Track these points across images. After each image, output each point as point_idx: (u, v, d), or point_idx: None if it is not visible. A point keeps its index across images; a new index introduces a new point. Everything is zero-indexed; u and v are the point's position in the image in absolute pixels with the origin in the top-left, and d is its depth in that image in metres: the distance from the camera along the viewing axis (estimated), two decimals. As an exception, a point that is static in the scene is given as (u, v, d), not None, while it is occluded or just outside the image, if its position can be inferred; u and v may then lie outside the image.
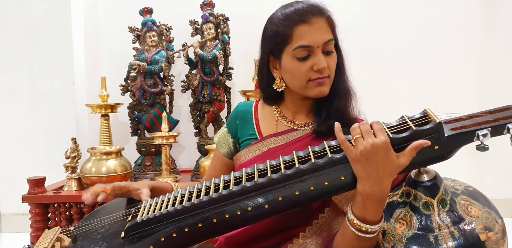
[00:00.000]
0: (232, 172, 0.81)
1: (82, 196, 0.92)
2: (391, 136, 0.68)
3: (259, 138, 0.99)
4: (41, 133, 2.50)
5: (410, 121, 0.71)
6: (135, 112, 2.17)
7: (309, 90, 0.91)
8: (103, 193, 0.91)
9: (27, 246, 0.86)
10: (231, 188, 0.75)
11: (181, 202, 0.78)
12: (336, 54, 0.92)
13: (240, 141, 1.04)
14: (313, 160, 0.71)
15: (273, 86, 0.97)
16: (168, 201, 0.80)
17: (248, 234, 0.89)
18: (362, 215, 0.71)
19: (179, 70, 2.35)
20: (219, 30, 2.07)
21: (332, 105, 0.92)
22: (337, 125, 0.72)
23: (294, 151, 0.77)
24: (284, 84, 0.95)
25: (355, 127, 0.70)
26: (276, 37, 0.89)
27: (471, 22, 2.41)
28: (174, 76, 2.21)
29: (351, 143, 0.70)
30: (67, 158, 1.88)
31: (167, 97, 2.20)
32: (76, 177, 1.89)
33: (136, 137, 2.20)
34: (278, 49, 0.90)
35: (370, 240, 0.73)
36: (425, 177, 0.75)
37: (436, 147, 0.67)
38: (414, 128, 0.68)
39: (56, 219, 1.83)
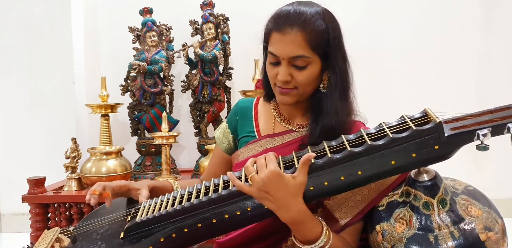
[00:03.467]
0: (232, 172, 0.81)
1: (86, 198, 0.91)
2: (391, 136, 0.68)
3: (257, 136, 0.99)
4: (41, 133, 2.50)
5: (410, 121, 0.71)
6: (135, 112, 2.17)
7: (276, 94, 0.92)
8: (107, 199, 0.90)
9: (26, 246, 0.86)
10: (230, 188, 0.75)
11: (180, 202, 0.78)
12: (330, 72, 0.86)
13: (238, 137, 1.04)
14: (312, 160, 0.71)
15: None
16: (168, 202, 0.81)
17: (243, 237, 0.89)
18: (304, 238, 0.74)
19: (179, 70, 2.35)
20: (219, 30, 2.07)
21: (322, 122, 0.87)
22: (230, 175, 0.75)
23: (293, 151, 0.77)
24: None
25: (247, 166, 0.72)
26: (264, 35, 0.91)
27: (470, 23, 2.40)
28: (174, 76, 2.21)
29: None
30: (67, 158, 1.88)
31: (167, 97, 2.19)
32: (76, 177, 1.89)
33: (136, 137, 2.20)
34: (265, 47, 0.92)
35: None
36: (425, 177, 0.75)
37: (436, 147, 0.67)
38: (414, 128, 0.68)
39: (56, 219, 1.83)
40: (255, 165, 0.74)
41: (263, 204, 0.72)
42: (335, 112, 0.86)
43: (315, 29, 0.81)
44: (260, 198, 0.71)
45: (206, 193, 0.78)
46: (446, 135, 0.66)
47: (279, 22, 0.83)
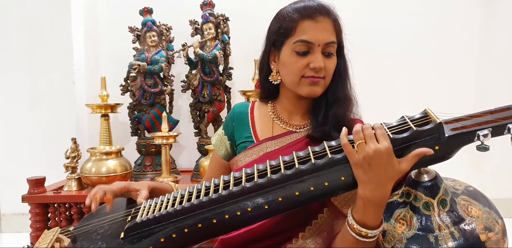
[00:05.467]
0: (232, 172, 0.81)
1: (86, 202, 0.87)
2: (392, 136, 0.68)
3: (255, 141, 0.98)
4: (41, 133, 2.49)
5: (411, 121, 0.71)
6: (135, 112, 2.17)
7: (301, 88, 0.90)
8: (108, 203, 0.88)
9: (26, 247, 0.86)
10: (230, 188, 0.74)
11: (180, 202, 0.78)
12: (339, 60, 0.92)
13: (236, 143, 1.03)
14: (313, 161, 0.71)
15: (269, 78, 0.97)
16: (168, 202, 0.80)
17: (246, 236, 0.88)
18: (362, 220, 0.71)
19: (179, 70, 2.35)
20: (219, 30, 2.07)
21: (330, 112, 0.91)
22: (344, 129, 0.72)
23: (294, 151, 0.77)
24: (279, 78, 0.95)
25: (358, 131, 0.69)
26: (280, 28, 0.90)
27: (470, 22, 2.41)
28: (174, 76, 2.21)
29: (353, 146, 0.69)
30: (67, 158, 1.88)
31: (167, 97, 2.20)
32: (76, 177, 1.89)
33: (136, 137, 2.20)
34: (280, 41, 0.91)
35: (369, 244, 0.73)
36: (426, 177, 0.75)
37: (437, 147, 0.67)
38: (415, 128, 0.68)
39: (56, 219, 1.83)
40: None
41: (352, 170, 0.69)
42: (344, 100, 0.91)
43: (337, 18, 0.90)
44: (357, 166, 0.68)
45: (206, 193, 0.77)
46: (446, 135, 0.66)
47: (310, 11, 0.86)
